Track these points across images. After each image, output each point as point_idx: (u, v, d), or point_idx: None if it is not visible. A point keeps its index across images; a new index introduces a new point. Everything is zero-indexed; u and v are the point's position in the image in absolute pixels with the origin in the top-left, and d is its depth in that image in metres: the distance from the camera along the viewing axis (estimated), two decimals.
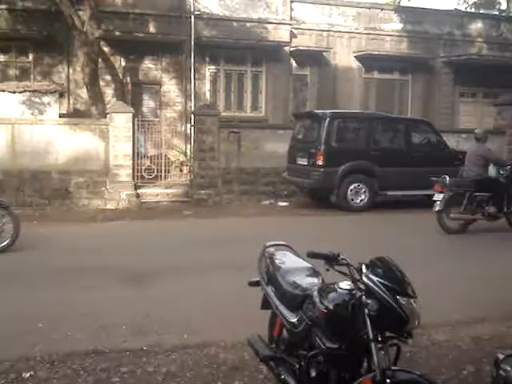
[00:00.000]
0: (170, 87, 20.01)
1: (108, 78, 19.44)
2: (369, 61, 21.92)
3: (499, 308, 6.97)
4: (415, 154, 15.19)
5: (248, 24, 20.15)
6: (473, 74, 22.37)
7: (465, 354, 5.58)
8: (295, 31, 20.90)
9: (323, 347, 3.52)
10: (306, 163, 14.91)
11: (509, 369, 2.61)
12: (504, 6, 27.79)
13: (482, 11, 26.46)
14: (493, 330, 6.27)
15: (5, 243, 9.57)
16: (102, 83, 18.39)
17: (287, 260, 4.46)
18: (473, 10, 26.52)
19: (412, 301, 3.23)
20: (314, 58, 21.36)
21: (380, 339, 3.29)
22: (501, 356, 2.72)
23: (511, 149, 19.33)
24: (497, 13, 26.10)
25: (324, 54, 21.41)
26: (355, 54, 21.82)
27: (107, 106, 16.88)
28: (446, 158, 15.25)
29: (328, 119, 14.53)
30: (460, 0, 26.62)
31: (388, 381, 3.12)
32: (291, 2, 20.87)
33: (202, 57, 20.11)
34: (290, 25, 20.70)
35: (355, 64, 21.98)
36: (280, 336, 4.34)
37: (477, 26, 23.84)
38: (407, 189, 15.06)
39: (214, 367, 5.21)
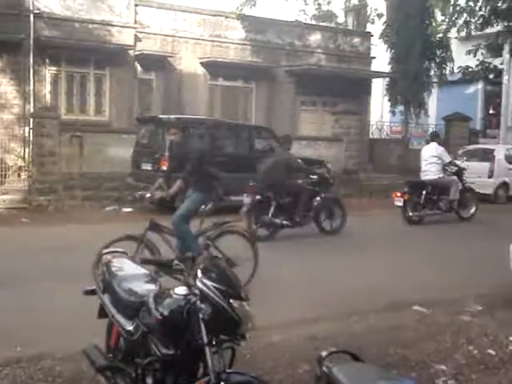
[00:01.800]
0: (7, 88, 18.98)
1: None
2: (214, 67, 22.14)
3: (333, 308, 7.32)
4: (258, 160, 15.51)
5: (91, 26, 19.63)
6: (313, 84, 23.27)
7: (301, 353, 5.75)
8: (140, 35, 20.65)
9: (159, 354, 3.50)
10: (150, 168, 14.77)
11: (331, 365, 2.74)
12: (341, 20, 29.36)
13: (321, 23, 27.73)
14: (327, 329, 6.55)
15: None
16: None
17: (124, 267, 4.38)
18: (313, 22, 27.69)
19: (245, 303, 3.29)
20: (159, 63, 21.22)
21: (214, 343, 3.33)
22: (324, 354, 2.85)
23: (348, 155, 20.41)
24: (334, 25, 27.48)
25: (169, 59, 21.34)
26: (200, 61, 21.95)
27: None
28: None
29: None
30: (300, 12, 27.66)
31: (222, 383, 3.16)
32: (135, 5, 20.59)
33: (42, 57, 19.26)
34: (135, 28, 20.42)
35: (200, 70, 22.10)
36: (117, 345, 4.26)
37: (316, 37, 24.88)
38: None
39: (49, 380, 5.00)
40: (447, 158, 14.36)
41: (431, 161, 14.14)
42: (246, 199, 11.84)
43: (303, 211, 12.11)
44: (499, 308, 7.57)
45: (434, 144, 14.44)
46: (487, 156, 19.77)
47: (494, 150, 20.34)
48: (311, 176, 12.64)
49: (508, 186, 19.39)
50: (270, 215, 11.76)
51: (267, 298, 7.32)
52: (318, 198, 12.42)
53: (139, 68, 21.10)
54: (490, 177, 19.27)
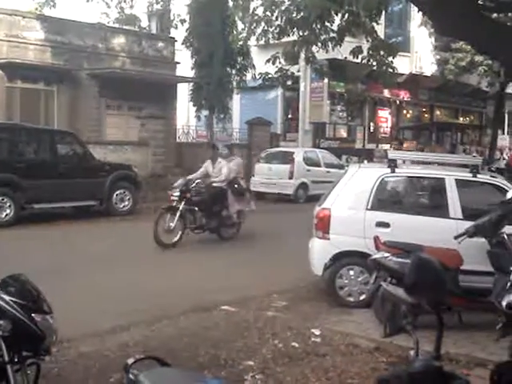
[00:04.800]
0: None
1: None
2: (11, 69, 20.96)
3: (144, 313, 7.29)
4: (62, 165, 15.02)
5: None
6: (118, 88, 22.95)
7: (112, 362, 5.67)
8: None
9: None
10: None
11: (137, 373, 2.74)
12: (145, 24, 29.23)
13: (124, 27, 27.40)
14: (138, 336, 6.53)
15: None
16: None
17: None
18: (116, 25, 27.27)
19: (48, 317, 3.18)
20: None
21: (17, 360, 3.18)
22: (130, 361, 2.85)
23: (156, 159, 20.43)
24: (138, 29, 27.29)
25: None
26: None
27: None
28: (94, 170, 15.44)
29: None
30: (103, 14, 27.08)
31: None
32: None
33: None
34: None
35: None
36: None
37: (120, 40, 24.59)
38: (55, 201, 14.85)
39: None
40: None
41: None
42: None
43: None
44: (301, 303, 8.03)
45: None
46: (287, 158, 20.85)
47: (293, 152, 21.51)
48: None
49: (307, 186, 20.57)
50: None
51: (77, 307, 7.13)
52: None
53: None
54: (290, 178, 20.33)
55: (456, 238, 6.84)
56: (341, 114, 30.48)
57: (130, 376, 2.74)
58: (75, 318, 6.48)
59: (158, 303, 7.73)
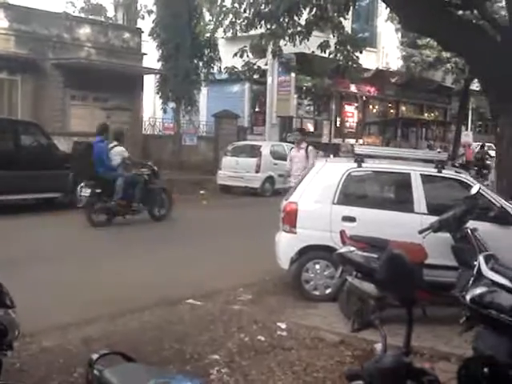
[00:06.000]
0: None
1: None
2: None
3: (108, 307, 7.19)
4: (25, 156, 14.74)
5: None
6: (83, 78, 22.57)
7: (75, 356, 5.60)
8: None
9: None
10: None
11: (102, 368, 2.70)
12: (111, 14, 28.94)
13: (90, 17, 27.08)
14: (101, 330, 6.45)
15: None
16: None
17: None
18: (82, 15, 26.93)
19: (10, 311, 3.12)
20: None
21: None
22: (94, 356, 2.80)
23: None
24: (104, 20, 26.99)
25: None
26: None
27: None
28: (58, 161, 15.19)
29: None
30: (68, 4, 26.74)
31: None
32: None
33: None
34: None
35: None
36: None
37: (86, 30, 24.23)
38: (18, 193, 14.58)
39: None
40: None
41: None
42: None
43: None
44: (268, 296, 8.04)
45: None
46: (254, 152, 20.83)
47: (260, 146, 21.50)
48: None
49: (274, 179, 20.58)
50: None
51: (38, 301, 7.01)
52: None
53: None
54: (257, 172, 20.32)
55: (421, 232, 6.91)
56: (308, 108, 30.65)
57: (95, 372, 2.70)
58: (36, 312, 6.36)
59: (121, 297, 7.62)
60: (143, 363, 3.80)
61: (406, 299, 2.63)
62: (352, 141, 29.51)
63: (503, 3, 15.87)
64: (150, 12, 26.41)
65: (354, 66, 14.58)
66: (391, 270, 2.61)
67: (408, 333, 2.63)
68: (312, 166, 8.87)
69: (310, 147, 12.31)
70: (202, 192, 19.33)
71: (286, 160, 21.30)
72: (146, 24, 25.97)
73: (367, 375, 2.48)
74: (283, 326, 6.70)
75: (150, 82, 27.35)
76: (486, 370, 3.27)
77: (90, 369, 2.76)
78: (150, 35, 24.43)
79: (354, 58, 14.25)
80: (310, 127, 30.24)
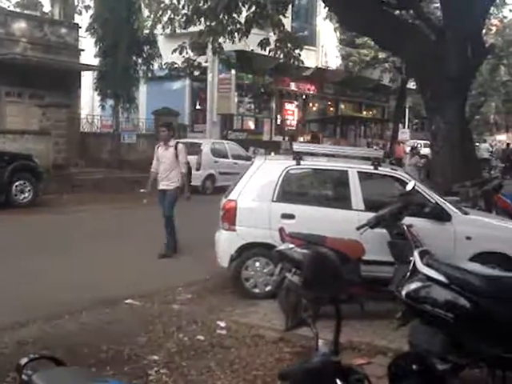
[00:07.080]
0: None
1: None
2: None
3: (43, 309, 7.00)
4: None
5: None
6: (18, 74, 22.00)
7: (9, 359, 5.42)
8: None
9: None
10: None
11: (31, 373, 2.62)
12: (47, 9, 28.24)
13: (26, 11, 26.35)
14: (37, 332, 6.29)
15: None
16: None
17: None
18: (17, 10, 26.20)
19: None
20: None
21: None
22: (22, 361, 2.71)
23: (58, 149, 19.76)
24: (40, 15, 26.34)
25: None
26: None
27: None
28: None
29: None
30: None
31: None
32: None
33: None
34: None
35: None
36: None
37: (21, 25, 23.53)
38: None
39: None
40: None
41: None
42: None
43: None
44: (207, 295, 7.99)
45: None
46: (195, 150, 20.70)
47: (201, 143, 21.41)
48: None
49: (214, 177, 20.54)
50: None
51: None
52: None
53: None
54: (197, 169, 20.19)
55: (358, 228, 7.00)
56: (248, 106, 30.68)
57: (23, 377, 2.62)
58: None
59: (57, 298, 7.42)
60: (79, 366, 3.72)
61: (332, 298, 2.64)
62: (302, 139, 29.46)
63: (439, 4, 16.29)
64: (87, 7, 25.85)
65: (296, 63, 14.69)
66: (316, 269, 2.61)
67: (337, 331, 2.63)
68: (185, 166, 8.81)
69: (180, 145, 10.78)
70: (142, 190, 19.05)
71: (226, 158, 21.56)
72: (83, 19, 25.45)
73: (293, 376, 2.48)
74: (223, 324, 6.67)
75: (87, 79, 26.84)
76: (414, 366, 3.33)
77: (17, 374, 2.67)
78: (87, 31, 23.95)
79: (295, 55, 14.36)
80: (251, 125, 30.32)
